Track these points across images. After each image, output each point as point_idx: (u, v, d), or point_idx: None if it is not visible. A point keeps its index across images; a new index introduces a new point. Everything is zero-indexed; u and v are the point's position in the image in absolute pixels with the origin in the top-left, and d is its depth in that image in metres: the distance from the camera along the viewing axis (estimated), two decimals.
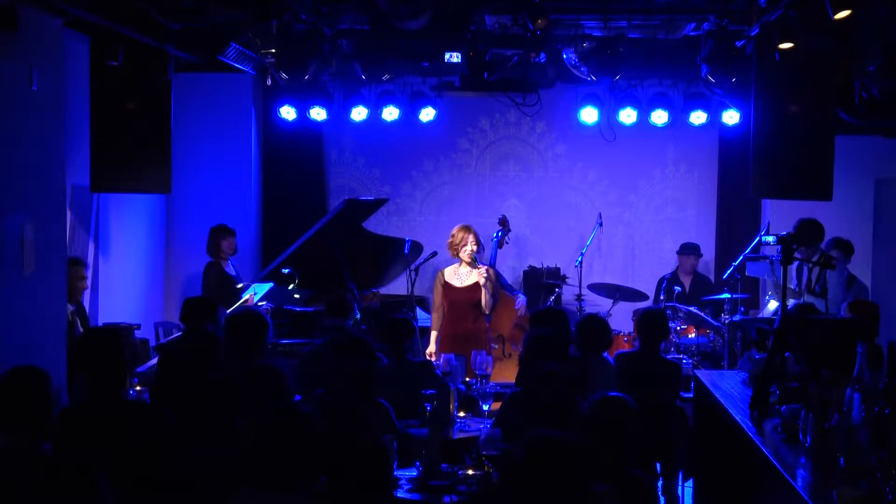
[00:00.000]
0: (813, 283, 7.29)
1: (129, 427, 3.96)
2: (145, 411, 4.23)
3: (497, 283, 7.49)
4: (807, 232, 7.26)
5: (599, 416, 3.80)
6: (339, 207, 7.99)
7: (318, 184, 10.16)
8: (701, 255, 9.32)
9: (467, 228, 7.29)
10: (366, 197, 9.58)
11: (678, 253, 9.23)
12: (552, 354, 5.01)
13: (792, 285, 7.41)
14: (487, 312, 7.31)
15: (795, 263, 6.98)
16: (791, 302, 7.06)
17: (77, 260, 7.34)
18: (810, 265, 7.27)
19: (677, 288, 8.65)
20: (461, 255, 7.25)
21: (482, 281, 7.21)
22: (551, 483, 3.13)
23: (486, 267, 7.33)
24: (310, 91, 9.21)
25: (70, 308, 7.07)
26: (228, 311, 7.06)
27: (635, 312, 8.51)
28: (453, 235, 7.30)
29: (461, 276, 7.29)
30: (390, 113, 9.37)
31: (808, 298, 7.20)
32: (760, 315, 8.24)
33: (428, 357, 7.21)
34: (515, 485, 3.20)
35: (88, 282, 7.70)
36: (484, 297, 7.22)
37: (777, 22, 6.17)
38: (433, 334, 7.37)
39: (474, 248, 7.22)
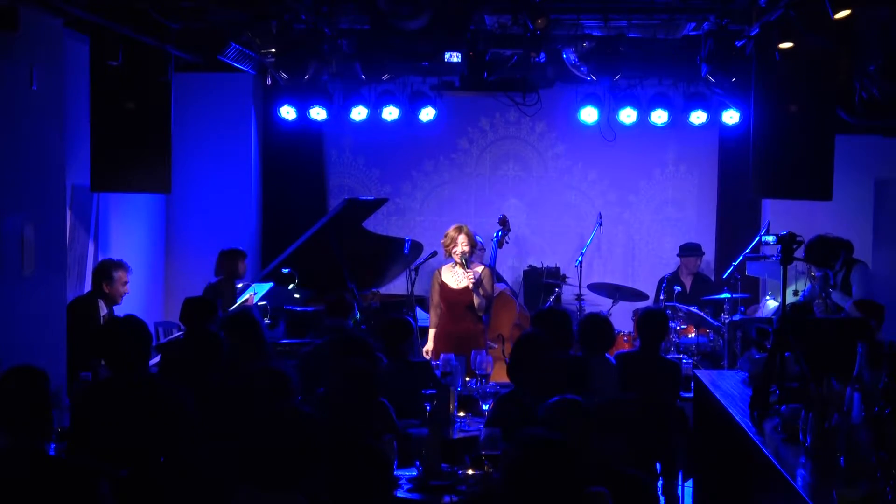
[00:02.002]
0: (839, 285, 7.27)
1: (149, 398, 4.05)
2: (164, 385, 4.33)
3: (492, 283, 7.42)
4: (818, 253, 7.19)
5: (556, 419, 3.76)
6: (338, 207, 7.98)
7: (318, 184, 10.16)
8: (703, 254, 9.32)
9: (459, 229, 7.20)
10: (366, 197, 9.58)
11: (679, 255, 9.20)
12: (542, 355, 4.98)
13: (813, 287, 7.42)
14: (481, 314, 7.27)
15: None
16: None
17: (121, 263, 7.19)
18: (834, 271, 7.24)
19: (677, 288, 8.65)
20: (452, 255, 7.20)
21: (469, 284, 7.15)
22: (546, 483, 3.13)
23: (476, 268, 7.24)
24: (310, 91, 9.20)
25: (104, 312, 7.05)
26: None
27: (635, 312, 8.51)
28: (446, 235, 7.24)
29: (457, 276, 7.22)
30: (390, 113, 9.37)
31: (835, 297, 7.17)
32: (759, 314, 8.25)
33: (424, 355, 7.19)
34: (511, 485, 3.21)
35: (87, 281, 7.70)
36: (476, 300, 7.19)
37: (777, 22, 6.16)
38: (431, 332, 7.35)
39: (465, 249, 7.14)
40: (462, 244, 7.13)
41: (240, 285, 7.97)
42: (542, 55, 7.93)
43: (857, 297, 6.91)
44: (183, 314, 5.98)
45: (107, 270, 7.10)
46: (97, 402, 4.22)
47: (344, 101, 9.44)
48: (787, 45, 6.18)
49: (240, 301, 7.50)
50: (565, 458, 3.16)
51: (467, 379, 6.00)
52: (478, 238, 7.87)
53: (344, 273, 7.81)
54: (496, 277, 8.11)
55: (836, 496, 3.35)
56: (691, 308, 8.19)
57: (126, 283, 7.18)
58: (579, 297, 8.65)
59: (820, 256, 7.19)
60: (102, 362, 5.10)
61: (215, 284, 8.18)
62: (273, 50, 7.27)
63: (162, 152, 6.95)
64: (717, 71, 7.20)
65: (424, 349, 7.31)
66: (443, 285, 7.26)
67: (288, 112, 9.51)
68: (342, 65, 8.17)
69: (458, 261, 7.15)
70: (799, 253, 4.95)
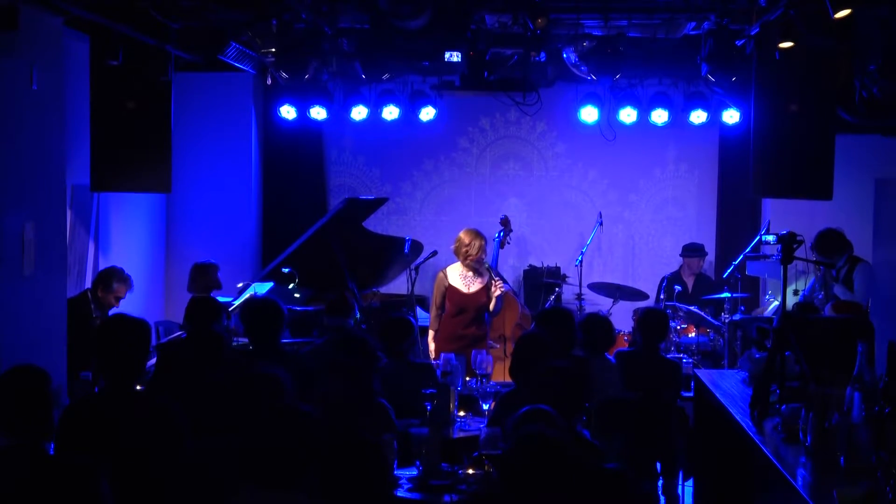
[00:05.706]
0: (841, 281, 7.27)
1: (138, 420, 3.96)
2: (154, 405, 4.18)
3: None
4: (826, 245, 7.24)
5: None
6: (339, 206, 7.99)
7: (318, 183, 10.16)
8: (706, 254, 9.31)
9: (477, 235, 7.14)
10: (366, 196, 9.58)
11: (683, 255, 9.20)
12: (543, 355, 4.98)
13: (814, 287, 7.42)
14: (494, 317, 7.29)
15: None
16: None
17: (127, 279, 7.19)
18: (837, 268, 7.25)
19: (678, 287, 8.65)
20: (468, 261, 7.14)
21: (499, 292, 7.12)
22: (539, 482, 3.13)
23: (498, 280, 7.23)
24: (310, 90, 9.21)
25: (96, 314, 7.06)
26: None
27: (635, 312, 8.51)
28: (459, 239, 7.15)
29: (467, 281, 7.18)
30: (390, 112, 9.37)
31: (837, 290, 7.18)
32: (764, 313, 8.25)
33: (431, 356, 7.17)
34: (507, 483, 3.21)
35: (88, 280, 7.70)
36: (493, 305, 7.19)
37: (777, 21, 6.16)
38: (430, 333, 7.33)
39: (482, 256, 7.16)
40: (481, 251, 7.12)
41: (240, 284, 7.97)
42: (543, 54, 7.94)
43: (860, 297, 6.92)
44: (188, 313, 5.96)
45: (108, 280, 7.10)
46: (83, 422, 4.03)
47: (344, 100, 9.44)
48: (787, 44, 6.18)
49: (239, 301, 7.50)
50: (560, 455, 3.16)
51: (467, 378, 6.00)
52: None
53: (344, 272, 7.80)
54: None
55: (836, 496, 3.35)
56: (691, 307, 8.19)
57: (120, 298, 7.18)
58: (579, 297, 8.66)
59: (826, 248, 7.23)
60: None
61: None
62: (273, 49, 7.27)
63: (162, 152, 6.96)
64: (717, 70, 7.20)
65: (431, 350, 7.29)
66: (451, 288, 7.20)
67: (288, 112, 9.51)
68: (342, 64, 8.17)
69: (472, 266, 7.13)
70: (800, 252, 4.95)
